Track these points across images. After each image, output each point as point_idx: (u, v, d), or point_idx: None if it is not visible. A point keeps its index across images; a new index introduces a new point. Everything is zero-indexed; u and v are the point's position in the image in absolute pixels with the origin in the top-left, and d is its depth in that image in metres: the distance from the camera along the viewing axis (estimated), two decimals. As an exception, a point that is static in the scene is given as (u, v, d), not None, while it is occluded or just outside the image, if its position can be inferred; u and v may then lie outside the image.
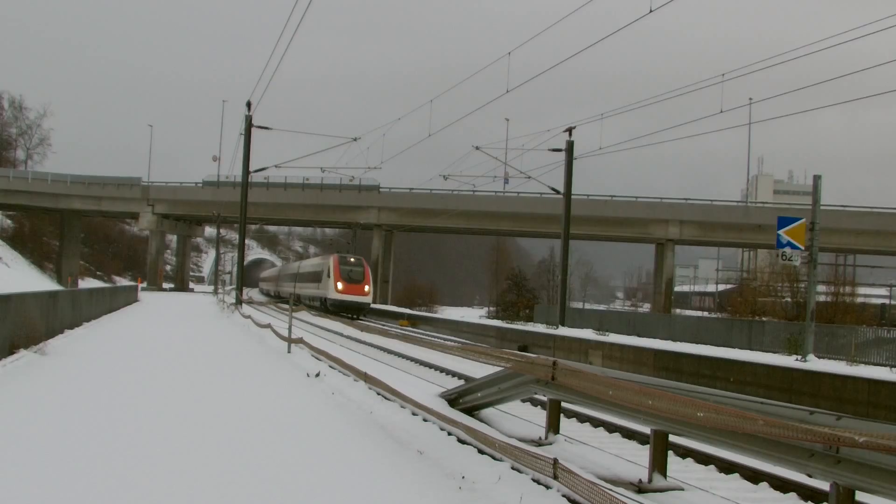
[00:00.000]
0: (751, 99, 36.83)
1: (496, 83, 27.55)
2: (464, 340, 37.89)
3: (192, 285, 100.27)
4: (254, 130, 40.75)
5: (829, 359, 20.33)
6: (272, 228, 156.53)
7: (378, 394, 12.66)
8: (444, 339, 35.61)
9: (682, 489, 7.55)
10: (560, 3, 26.29)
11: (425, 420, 10.42)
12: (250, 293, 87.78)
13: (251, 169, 41.92)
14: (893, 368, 18.45)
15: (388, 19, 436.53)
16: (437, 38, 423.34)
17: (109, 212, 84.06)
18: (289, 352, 19.98)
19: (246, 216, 42.91)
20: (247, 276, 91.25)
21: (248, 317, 34.13)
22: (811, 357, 19.30)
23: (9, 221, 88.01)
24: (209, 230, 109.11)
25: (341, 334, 33.66)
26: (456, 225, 68.52)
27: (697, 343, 26.90)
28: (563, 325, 34.70)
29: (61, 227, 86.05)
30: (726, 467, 9.80)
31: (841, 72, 21.28)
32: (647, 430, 7.88)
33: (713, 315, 58.47)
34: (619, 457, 9.26)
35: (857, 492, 5.62)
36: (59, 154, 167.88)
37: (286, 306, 43.51)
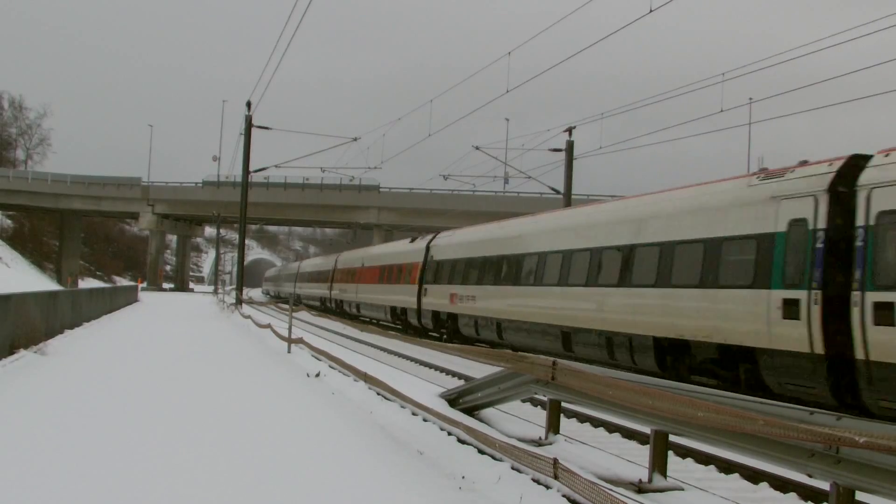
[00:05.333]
0: (751, 99, 36.80)
1: (496, 83, 27.51)
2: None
3: (192, 285, 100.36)
4: (254, 130, 40.77)
5: None
6: (272, 228, 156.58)
7: (378, 394, 12.64)
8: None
9: (682, 489, 7.54)
10: (560, 3, 26.28)
11: (425, 420, 10.40)
12: (250, 293, 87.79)
13: (251, 169, 41.93)
14: None
15: (388, 19, 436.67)
16: (436, 38, 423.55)
17: (109, 212, 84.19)
18: (289, 352, 19.96)
19: (246, 216, 42.92)
20: (247, 275, 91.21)
21: (249, 317, 34.13)
22: None
23: (9, 221, 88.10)
24: (209, 230, 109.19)
25: (341, 334, 33.62)
26: (456, 225, 68.55)
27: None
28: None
29: (61, 227, 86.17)
30: (726, 467, 9.78)
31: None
32: (647, 430, 7.87)
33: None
34: (619, 457, 9.25)
35: (857, 492, 5.62)
36: (59, 154, 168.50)
37: (286, 306, 43.45)
